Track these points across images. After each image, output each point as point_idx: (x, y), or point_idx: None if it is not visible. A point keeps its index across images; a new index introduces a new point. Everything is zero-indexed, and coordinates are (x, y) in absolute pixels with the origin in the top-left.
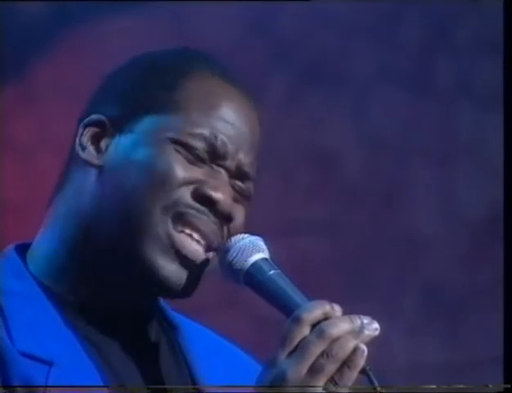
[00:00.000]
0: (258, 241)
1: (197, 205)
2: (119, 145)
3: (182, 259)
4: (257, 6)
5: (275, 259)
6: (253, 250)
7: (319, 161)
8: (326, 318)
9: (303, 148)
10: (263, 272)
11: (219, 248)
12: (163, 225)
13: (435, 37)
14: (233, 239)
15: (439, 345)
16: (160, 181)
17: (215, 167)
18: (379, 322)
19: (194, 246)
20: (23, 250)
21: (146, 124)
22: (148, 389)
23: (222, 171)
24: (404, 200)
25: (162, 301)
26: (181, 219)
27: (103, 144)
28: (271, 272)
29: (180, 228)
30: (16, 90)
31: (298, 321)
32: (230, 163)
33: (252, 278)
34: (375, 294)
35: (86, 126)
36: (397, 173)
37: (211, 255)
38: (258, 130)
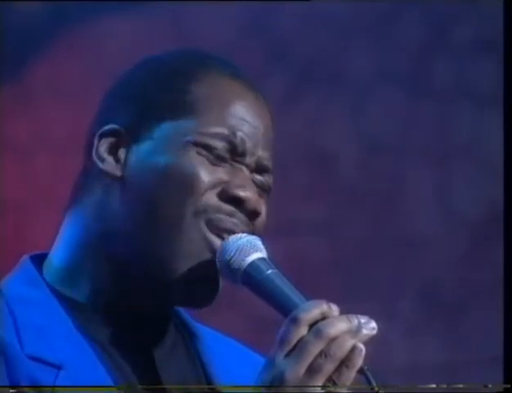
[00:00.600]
0: (256, 241)
1: (226, 207)
2: (138, 153)
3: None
4: (255, 7)
5: (273, 258)
6: (251, 249)
7: (318, 161)
8: (324, 317)
9: (302, 148)
10: (261, 271)
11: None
12: (198, 229)
13: (434, 37)
14: (231, 238)
15: (438, 344)
16: (187, 186)
17: (235, 164)
18: (377, 321)
19: None
20: (39, 260)
21: (163, 129)
22: (145, 388)
23: (244, 168)
24: (403, 200)
25: (181, 309)
26: (213, 225)
27: (121, 154)
28: (269, 271)
29: (214, 232)
30: (14, 90)
31: (295, 321)
32: (249, 159)
33: (250, 278)
34: (373, 294)
35: (101, 137)
36: (396, 173)
37: None
38: (270, 126)
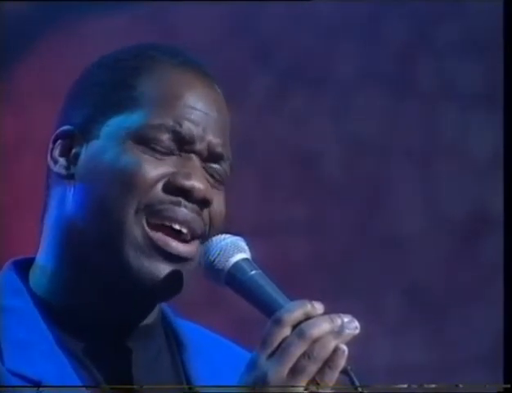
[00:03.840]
0: (240, 242)
1: (170, 198)
2: (87, 152)
3: (166, 255)
4: (241, 7)
5: (256, 259)
6: (235, 250)
7: (303, 161)
8: (307, 318)
9: (287, 148)
10: (245, 272)
11: (203, 235)
12: (139, 226)
13: (418, 37)
14: (214, 239)
15: (422, 344)
16: (130, 184)
17: (184, 154)
18: (361, 321)
19: (175, 242)
20: (22, 265)
21: (110, 126)
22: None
23: (193, 156)
24: (388, 200)
25: (170, 313)
26: (158, 216)
27: (73, 155)
28: (253, 272)
29: (159, 222)
30: (1, 90)
31: (278, 322)
32: (199, 146)
33: (233, 279)
34: (358, 293)
35: (56, 140)
36: (381, 174)
37: (194, 246)
38: (225, 111)
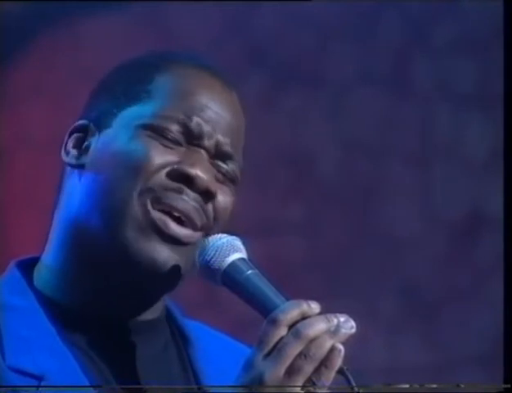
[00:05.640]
0: (236, 241)
1: (173, 185)
2: (98, 142)
3: (164, 237)
4: (235, 6)
5: (252, 259)
6: (231, 250)
7: (298, 162)
8: (304, 317)
9: (283, 148)
10: (241, 272)
11: (206, 228)
12: (141, 206)
13: (414, 37)
14: (210, 239)
15: (418, 344)
16: (136, 168)
17: (192, 147)
18: (357, 321)
19: (174, 224)
20: (26, 265)
21: (122, 117)
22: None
23: (201, 151)
24: (383, 200)
25: (175, 311)
26: (158, 202)
27: (85, 146)
28: (249, 272)
29: (160, 208)
30: None
31: (274, 322)
32: (208, 143)
33: (229, 278)
34: (353, 293)
35: (71, 133)
36: (377, 173)
37: (196, 235)
38: (239, 116)
